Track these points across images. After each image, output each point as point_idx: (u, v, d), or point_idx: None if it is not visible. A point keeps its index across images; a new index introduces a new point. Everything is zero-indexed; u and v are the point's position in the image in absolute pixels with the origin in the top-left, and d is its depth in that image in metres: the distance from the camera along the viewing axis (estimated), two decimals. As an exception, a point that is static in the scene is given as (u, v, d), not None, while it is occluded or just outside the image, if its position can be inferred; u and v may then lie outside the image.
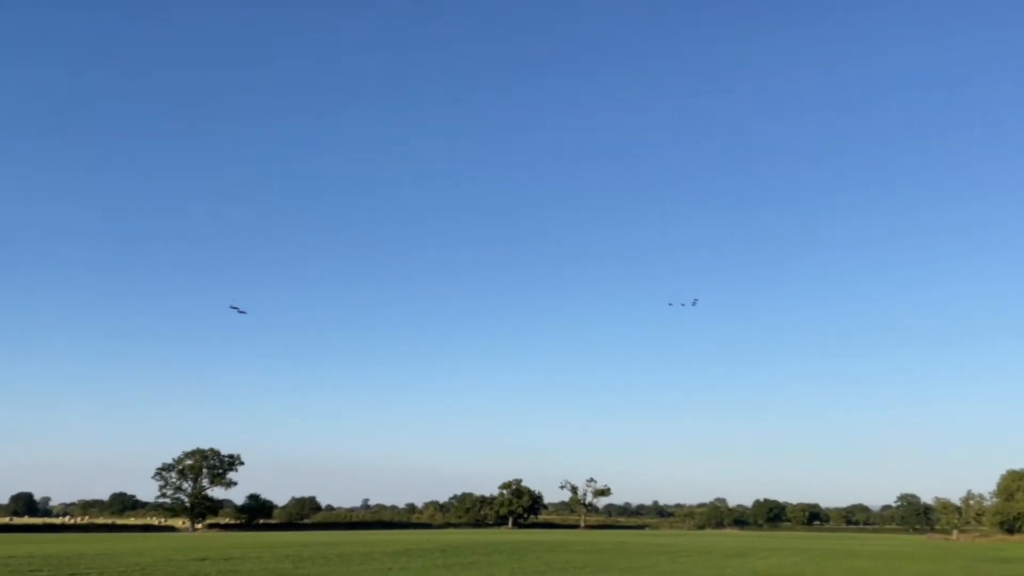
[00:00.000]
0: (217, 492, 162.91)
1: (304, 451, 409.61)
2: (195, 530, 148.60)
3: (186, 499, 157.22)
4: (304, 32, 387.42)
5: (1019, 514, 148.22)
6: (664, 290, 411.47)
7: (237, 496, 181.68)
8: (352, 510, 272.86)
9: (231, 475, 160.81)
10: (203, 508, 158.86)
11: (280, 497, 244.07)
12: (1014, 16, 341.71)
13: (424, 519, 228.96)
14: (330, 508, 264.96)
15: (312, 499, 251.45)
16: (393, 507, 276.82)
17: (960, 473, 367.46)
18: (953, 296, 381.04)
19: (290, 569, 39.09)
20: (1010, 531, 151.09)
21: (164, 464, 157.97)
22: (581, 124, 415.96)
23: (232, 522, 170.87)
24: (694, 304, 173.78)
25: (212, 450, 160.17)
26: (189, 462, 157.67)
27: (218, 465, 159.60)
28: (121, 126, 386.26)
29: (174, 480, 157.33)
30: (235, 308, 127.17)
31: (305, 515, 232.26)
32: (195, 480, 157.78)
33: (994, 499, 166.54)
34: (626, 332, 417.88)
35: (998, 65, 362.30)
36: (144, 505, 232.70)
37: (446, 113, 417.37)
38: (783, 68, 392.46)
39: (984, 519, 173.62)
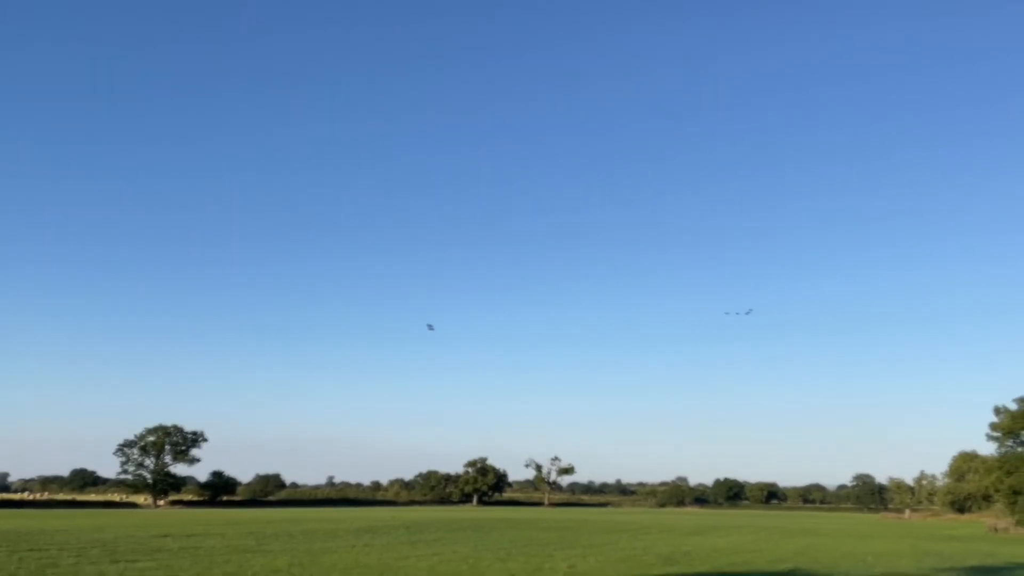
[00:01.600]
0: (180, 469, 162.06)
1: (269, 428, 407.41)
2: (157, 507, 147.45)
3: (148, 476, 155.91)
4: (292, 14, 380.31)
5: (969, 494, 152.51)
6: (622, 268, 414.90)
7: (200, 473, 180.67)
8: (317, 487, 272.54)
9: (194, 452, 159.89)
10: (165, 485, 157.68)
11: (244, 474, 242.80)
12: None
13: (389, 497, 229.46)
14: (295, 485, 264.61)
15: (276, 476, 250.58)
16: (358, 485, 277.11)
17: (914, 454, 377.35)
18: (906, 280, 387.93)
19: (253, 546, 39.00)
20: (960, 510, 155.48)
21: (126, 440, 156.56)
22: (519, 106, 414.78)
23: (195, 499, 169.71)
24: (748, 313, 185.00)
25: (175, 426, 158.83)
26: (151, 438, 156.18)
27: (181, 442, 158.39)
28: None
29: (136, 456, 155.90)
30: (430, 327, 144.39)
31: (269, 492, 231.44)
32: (157, 456, 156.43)
33: (946, 480, 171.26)
34: (594, 313, 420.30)
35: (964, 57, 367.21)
36: (105, 481, 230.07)
37: (411, 89, 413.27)
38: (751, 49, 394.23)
39: (936, 499, 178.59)
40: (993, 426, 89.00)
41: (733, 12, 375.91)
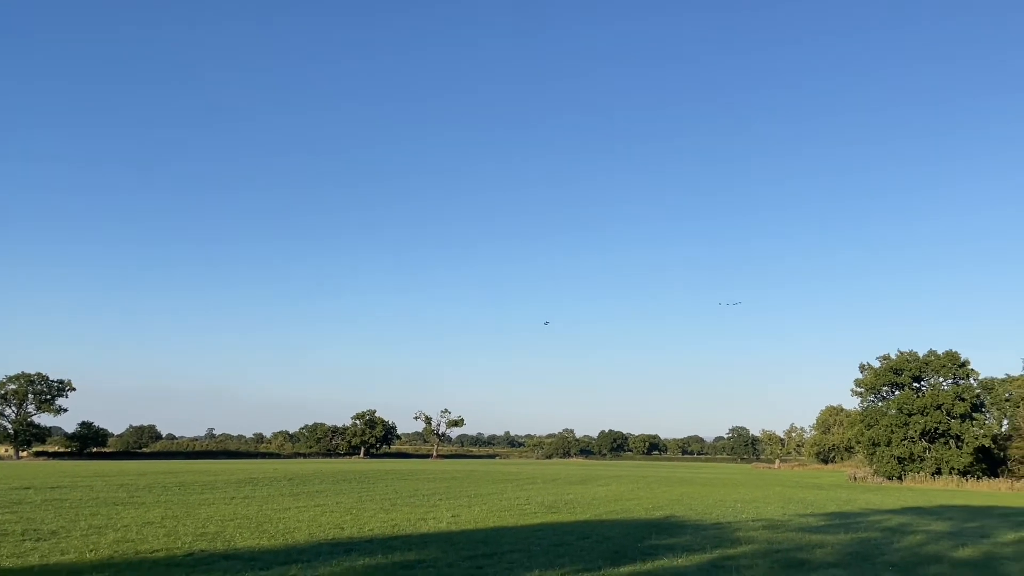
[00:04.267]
0: (45, 419, 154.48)
1: (143, 379, 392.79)
2: (19, 458, 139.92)
3: (9, 426, 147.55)
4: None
5: (833, 446, 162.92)
6: (516, 224, 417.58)
7: (68, 423, 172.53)
8: (195, 440, 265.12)
9: (60, 401, 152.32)
10: (28, 435, 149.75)
11: (116, 425, 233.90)
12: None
13: (272, 449, 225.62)
14: (171, 437, 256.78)
15: (151, 428, 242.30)
16: (240, 437, 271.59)
17: (785, 408, 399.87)
18: (781, 243, 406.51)
19: (124, 498, 37.20)
20: (825, 461, 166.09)
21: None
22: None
23: (62, 451, 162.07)
24: (737, 304, 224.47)
25: (39, 374, 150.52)
26: (12, 387, 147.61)
27: (45, 391, 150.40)
28: None
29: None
30: (546, 323, 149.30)
31: (143, 444, 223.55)
32: (19, 406, 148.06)
33: (813, 432, 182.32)
34: (481, 269, 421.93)
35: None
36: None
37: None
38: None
39: (804, 450, 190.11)
40: (857, 382, 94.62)
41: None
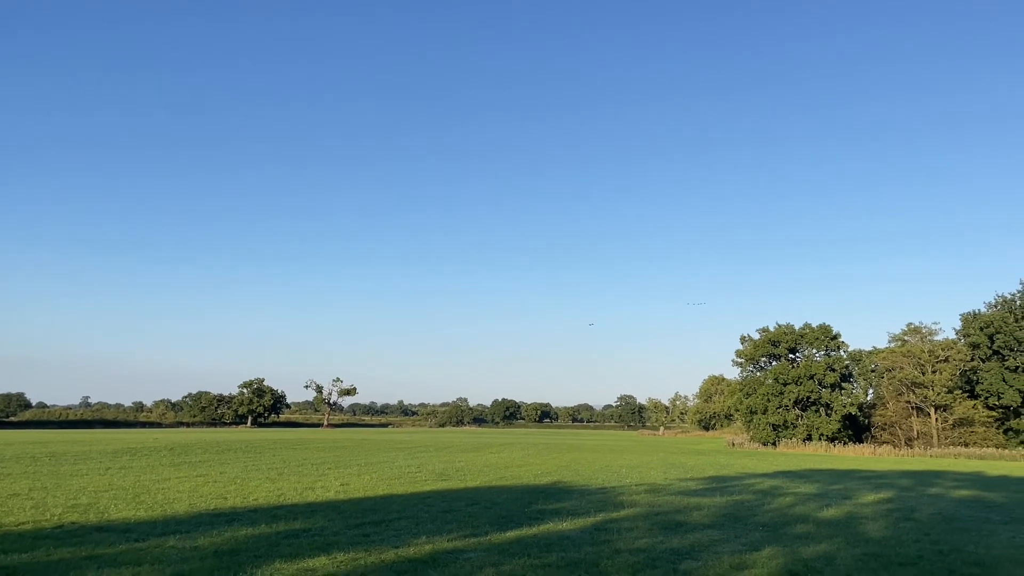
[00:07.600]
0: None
1: (9, 343, 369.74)
2: None
3: None
4: None
5: (715, 413, 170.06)
6: (407, 195, 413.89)
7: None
8: (69, 408, 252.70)
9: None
10: None
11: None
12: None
13: (154, 418, 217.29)
14: (42, 406, 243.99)
15: (20, 395, 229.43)
16: (118, 406, 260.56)
17: (670, 378, 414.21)
18: (665, 218, 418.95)
19: (-13, 469, 35.09)
20: (706, 428, 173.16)
21: None
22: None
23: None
24: (703, 304, 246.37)
25: None
26: None
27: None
28: None
29: None
30: (591, 324, 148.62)
31: (11, 413, 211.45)
32: None
33: (696, 400, 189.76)
34: (373, 243, 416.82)
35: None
36: None
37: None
38: None
39: (687, 417, 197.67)
40: (738, 353, 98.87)
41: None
